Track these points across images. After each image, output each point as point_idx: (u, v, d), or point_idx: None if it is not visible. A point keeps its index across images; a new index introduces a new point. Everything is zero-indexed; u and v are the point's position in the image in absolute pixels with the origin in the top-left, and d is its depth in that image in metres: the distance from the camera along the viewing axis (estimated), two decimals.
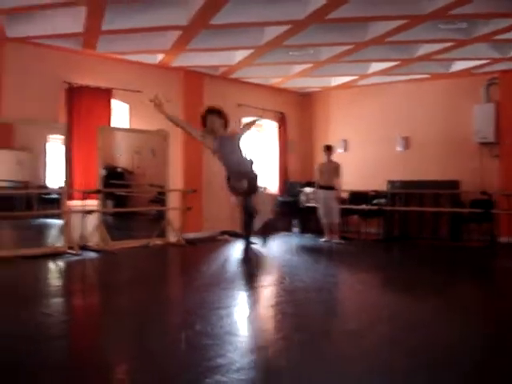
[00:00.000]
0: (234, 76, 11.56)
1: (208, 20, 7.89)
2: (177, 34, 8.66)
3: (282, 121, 13.12)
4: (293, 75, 11.56)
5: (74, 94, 9.49)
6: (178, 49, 9.44)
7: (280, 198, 12.58)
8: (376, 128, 12.37)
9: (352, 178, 11.60)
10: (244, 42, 9.24)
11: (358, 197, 11.66)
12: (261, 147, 13.15)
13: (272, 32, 8.68)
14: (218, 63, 10.70)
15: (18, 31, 8.44)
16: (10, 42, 8.71)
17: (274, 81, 12.25)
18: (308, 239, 11.48)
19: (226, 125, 6.28)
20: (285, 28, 8.37)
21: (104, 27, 8.22)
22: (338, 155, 11.80)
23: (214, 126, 6.20)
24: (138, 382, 3.66)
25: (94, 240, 9.30)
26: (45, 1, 7.28)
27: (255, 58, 10.04)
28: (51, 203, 9.38)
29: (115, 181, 10.14)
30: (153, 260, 9.08)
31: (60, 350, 4.27)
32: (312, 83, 12.65)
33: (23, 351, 4.08)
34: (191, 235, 10.64)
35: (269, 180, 12.74)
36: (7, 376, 3.61)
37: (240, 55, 10.09)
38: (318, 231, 11.26)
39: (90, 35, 8.64)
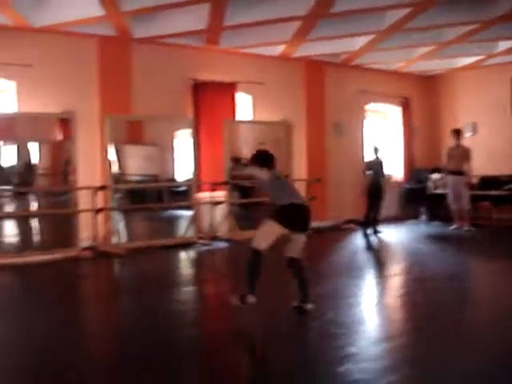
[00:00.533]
0: (355, 63, 11.43)
1: (327, 9, 7.85)
2: (297, 24, 8.69)
3: (406, 105, 12.81)
4: (416, 58, 11.26)
5: (200, 89, 9.79)
6: (298, 39, 9.48)
7: (406, 186, 12.32)
8: (506, 109, 11.76)
9: (482, 163, 11.12)
10: (365, 28, 9.10)
11: (488, 182, 11.17)
12: (385, 134, 12.93)
13: (393, 16, 8.49)
14: (338, 51, 10.62)
15: (143, 32, 8.83)
16: (137, 42, 9.11)
17: (397, 65, 11.98)
18: (436, 227, 11.16)
19: (268, 167, 5.02)
20: (406, 11, 8.16)
21: (226, 23, 8.42)
22: (467, 139, 11.33)
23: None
24: (263, 372, 3.76)
25: (222, 230, 9.57)
26: (168, 1, 7.55)
27: (377, 43, 9.87)
28: (179, 195, 9.75)
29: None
30: (279, 249, 9.19)
31: (190, 339, 4.43)
32: (436, 66, 12.24)
33: (156, 339, 4.28)
34: (316, 224, 10.65)
35: (394, 167, 12.52)
36: (141, 363, 3.80)
37: (361, 41, 9.95)
38: (447, 218, 10.91)
39: (213, 31, 8.87)
